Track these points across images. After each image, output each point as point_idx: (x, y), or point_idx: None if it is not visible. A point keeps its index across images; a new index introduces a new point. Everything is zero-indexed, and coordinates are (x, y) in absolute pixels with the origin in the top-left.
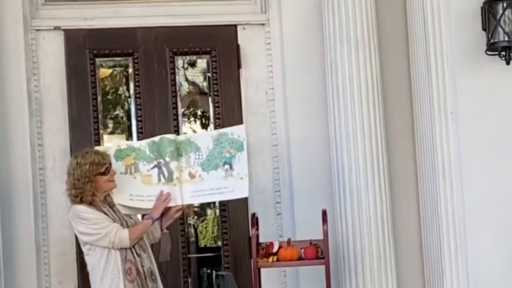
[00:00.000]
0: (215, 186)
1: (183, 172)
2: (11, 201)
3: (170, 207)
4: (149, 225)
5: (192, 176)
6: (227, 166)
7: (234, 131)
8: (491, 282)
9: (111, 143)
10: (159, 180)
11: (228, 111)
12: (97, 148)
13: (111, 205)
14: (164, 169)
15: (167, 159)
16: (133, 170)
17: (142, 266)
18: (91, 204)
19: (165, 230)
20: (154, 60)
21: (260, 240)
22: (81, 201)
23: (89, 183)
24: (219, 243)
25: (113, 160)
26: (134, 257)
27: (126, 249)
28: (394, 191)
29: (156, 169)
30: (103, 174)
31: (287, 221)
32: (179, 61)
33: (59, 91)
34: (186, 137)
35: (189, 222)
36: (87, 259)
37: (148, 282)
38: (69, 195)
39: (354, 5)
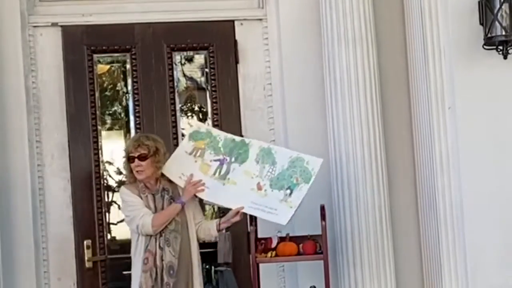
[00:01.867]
0: (269, 205)
1: (253, 179)
2: (9, 198)
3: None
4: (178, 209)
5: (259, 187)
6: (288, 191)
7: (311, 161)
8: (488, 274)
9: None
10: (214, 174)
11: (226, 106)
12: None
13: (155, 193)
14: (224, 166)
15: (233, 159)
16: (198, 154)
17: (162, 260)
18: (132, 184)
19: (223, 231)
20: (151, 56)
21: (259, 236)
22: (126, 181)
23: (127, 164)
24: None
25: (186, 139)
26: (155, 248)
27: (150, 238)
28: (392, 185)
29: (217, 163)
30: (129, 161)
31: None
32: (177, 57)
33: (57, 87)
34: (269, 146)
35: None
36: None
37: (164, 276)
38: None
39: (351, 0)
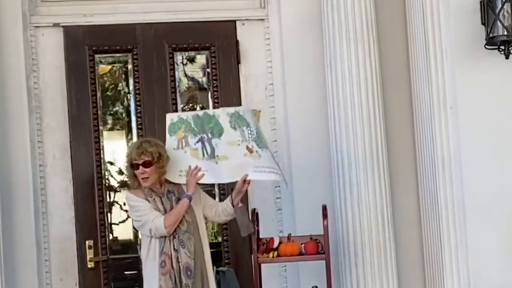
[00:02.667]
0: (268, 165)
1: (240, 146)
2: (11, 198)
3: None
4: (186, 204)
5: (250, 150)
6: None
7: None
8: (491, 275)
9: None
10: (203, 155)
11: (228, 106)
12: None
13: (162, 195)
14: (206, 144)
15: (209, 135)
16: (183, 144)
17: (178, 262)
18: (137, 188)
19: (240, 205)
20: (153, 56)
21: (261, 236)
22: (129, 186)
23: (129, 170)
24: (220, 239)
25: (167, 137)
26: (171, 251)
27: (165, 241)
28: (394, 185)
29: (200, 144)
30: (133, 168)
31: (287, 216)
32: (178, 57)
33: (59, 87)
34: (235, 109)
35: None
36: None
37: (183, 277)
38: None
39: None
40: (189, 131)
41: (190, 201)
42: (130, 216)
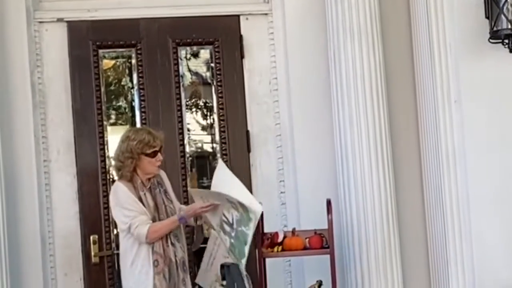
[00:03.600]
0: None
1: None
2: (16, 193)
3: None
4: (175, 224)
5: (228, 223)
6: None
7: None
8: (495, 270)
9: None
10: (226, 221)
11: (232, 101)
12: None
13: (153, 188)
14: (230, 233)
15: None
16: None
17: (175, 256)
18: (130, 181)
19: (198, 223)
20: (157, 51)
21: (265, 230)
22: (121, 176)
23: (131, 159)
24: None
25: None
26: (163, 248)
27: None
28: (398, 179)
29: (229, 227)
30: (149, 155)
31: (292, 210)
32: (182, 52)
33: (63, 83)
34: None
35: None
36: (121, 241)
37: (180, 272)
38: (112, 165)
39: None
40: (241, 221)
41: (179, 224)
42: (114, 213)
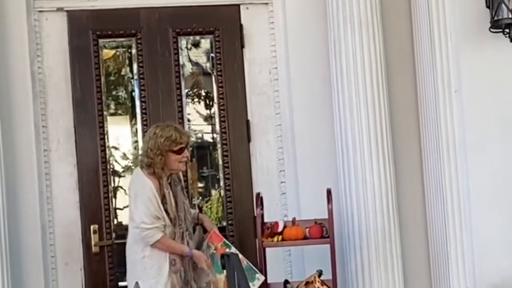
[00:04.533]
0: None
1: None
2: (16, 183)
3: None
4: (182, 253)
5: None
6: None
7: None
8: (495, 260)
9: None
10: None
11: (232, 91)
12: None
13: (175, 184)
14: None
15: None
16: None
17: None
18: (158, 178)
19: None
20: (157, 40)
21: (265, 220)
22: (153, 172)
23: (160, 156)
24: (224, 223)
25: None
26: (187, 242)
27: (175, 237)
28: (399, 169)
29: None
30: (176, 152)
31: (292, 200)
32: (183, 42)
33: (63, 72)
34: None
35: (193, 202)
36: (130, 231)
37: (190, 270)
38: (141, 161)
39: None
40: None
41: (184, 256)
42: (133, 195)
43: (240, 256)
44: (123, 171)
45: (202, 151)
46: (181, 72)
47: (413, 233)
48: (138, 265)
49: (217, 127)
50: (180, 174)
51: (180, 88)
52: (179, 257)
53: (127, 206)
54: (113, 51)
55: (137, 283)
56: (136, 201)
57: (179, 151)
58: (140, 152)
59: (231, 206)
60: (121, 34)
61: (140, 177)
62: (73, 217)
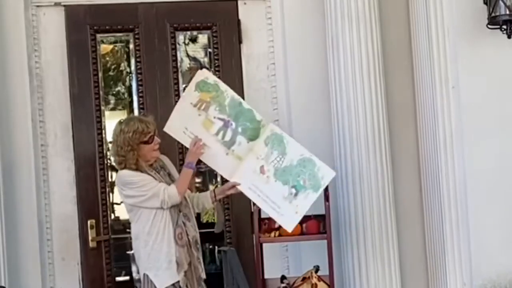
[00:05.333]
0: (272, 197)
1: (258, 160)
2: (13, 178)
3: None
4: (191, 173)
5: (262, 171)
6: (293, 191)
7: (322, 169)
8: (492, 255)
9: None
10: (217, 134)
11: (229, 86)
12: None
13: (158, 170)
14: (229, 132)
15: (239, 129)
16: (202, 107)
17: (187, 235)
18: (136, 170)
19: (217, 202)
20: (155, 35)
21: (262, 216)
22: (125, 168)
23: (132, 151)
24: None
25: (191, 88)
26: (183, 223)
27: (177, 214)
28: (396, 164)
29: (221, 123)
30: (146, 143)
31: None
32: (180, 37)
33: (60, 67)
34: (282, 133)
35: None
36: (132, 226)
37: (193, 251)
38: (113, 161)
39: None
40: (216, 102)
41: (194, 171)
42: (127, 194)
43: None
44: None
45: None
46: (179, 67)
47: (410, 229)
48: (143, 257)
49: None
50: (166, 161)
51: (177, 83)
52: (183, 231)
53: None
54: (110, 46)
55: (145, 274)
56: (126, 190)
57: (150, 141)
58: (110, 152)
59: (229, 201)
60: (119, 29)
61: (120, 175)
62: (70, 212)
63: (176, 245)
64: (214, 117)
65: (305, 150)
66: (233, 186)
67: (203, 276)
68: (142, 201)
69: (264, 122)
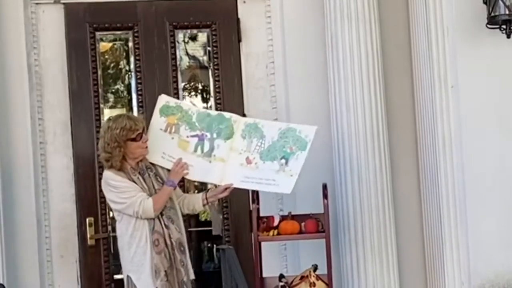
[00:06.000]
0: (265, 177)
1: (241, 155)
2: (12, 175)
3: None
4: (171, 191)
5: (248, 161)
6: (283, 161)
7: (303, 130)
8: (490, 255)
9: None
10: (195, 150)
11: (229, 85)
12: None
13: (142, 172)
14: (206, 143)
15: (214, 135)
16: (173, 130)
17: (170, 238)
18: (120, 170)
19: (210, 205)
20: (154, 34)
21: (261, 214)
22: (111, 166)
23: (118, 148)
24: (220, 217)
25: (156, 114)
26: (162, 228)
27: (154, 220)
28: (395, 164)
29: (196, 139)
30: (134, 140)
31: (288, 195)
32: (180, 35)
33: (59, 65)
34: (255, 121)
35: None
36: (117, 225)
37: (177, 254)
38: (100, 158)
39: None
40: (184, 122)
41: (174, 189)
42: (109, 197)
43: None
44: None
45: None
46: (178, 66)
47: (409, 228)
48: (126, 258)
49: None
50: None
51: (176, 82)
52: (162, 237)
53: None
54: (110, 44)
55: (128, 276)
56: (109, 194)
57: (138, 138)
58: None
59: (227, 200)
60: (118, 27)
61: (104, 176)
62: (69, 209)
63: (153, 252)
64: (187, 136)
65: (282, 123)
66: (226, 189)
67: (191, 276)
68: (120, 209)
69: (235, 118)
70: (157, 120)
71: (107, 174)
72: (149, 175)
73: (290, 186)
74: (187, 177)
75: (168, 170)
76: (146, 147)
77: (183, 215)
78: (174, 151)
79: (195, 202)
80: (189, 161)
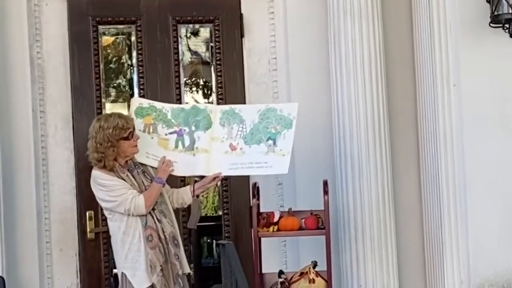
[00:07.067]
0: (255, 160)
1: (223, 143)
2: (13, 168)
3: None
4: (160, 188)
5: (232, 148)
6: (270, 142)
7: (284, 108)
8: (491, 252)
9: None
10: (176, 147)
11: (231, 80)
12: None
13: (131, 170)
14: (186, 137)
15: (193, 128)
16: (151, 130)
17: (163, 232)
18: (111, 169)
19: (195, 197)
20: (157, 28)
21: (261, 210)
22: (104, 166)
23: (112, 147)
24: (220, 213)
25: (133, 116)
26: (155, 223)
27: (146, 215)
28: (396, 161)
29: (174, 135)
30: (126, 139)
31: (288, 190)
32: (182, 30)
33: (62, 58)
34: (231, 107)
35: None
36: (108, 223)
37: (171, 247)
38: (91, 158)
39: None
40: (160, 121)
41: (163, 186)
42: (99, 196)
43: None
44: None
45: None
46: (180, 60)
47: (409, 226)
48: (121, 256)
49: None
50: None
51: (178, 77)
52: (155, 232)
53: None
54: (112, 38)
55: (123, 273)
56: (99, 193)
57: (130, 136)
58: (88, 149)
59: (227, 195)
60: (121, 21)
61: (93, 175)
62: (69, 203)
63: (147, 247)
64: (166, 134)
65: (260, 105)
66: (214, 178)
67: (186, 270)
68: (111, 207)
69: (210, 107)
70: (136, 124)
71: (96, 174)
72: (137, 172)
73: (285, 165)
74: (174, 173)
75: (156, 168)
76: (136, 145)
77: (174, 210)
78: (157, 150)
79: (184, 195)
80: (172, 158)
